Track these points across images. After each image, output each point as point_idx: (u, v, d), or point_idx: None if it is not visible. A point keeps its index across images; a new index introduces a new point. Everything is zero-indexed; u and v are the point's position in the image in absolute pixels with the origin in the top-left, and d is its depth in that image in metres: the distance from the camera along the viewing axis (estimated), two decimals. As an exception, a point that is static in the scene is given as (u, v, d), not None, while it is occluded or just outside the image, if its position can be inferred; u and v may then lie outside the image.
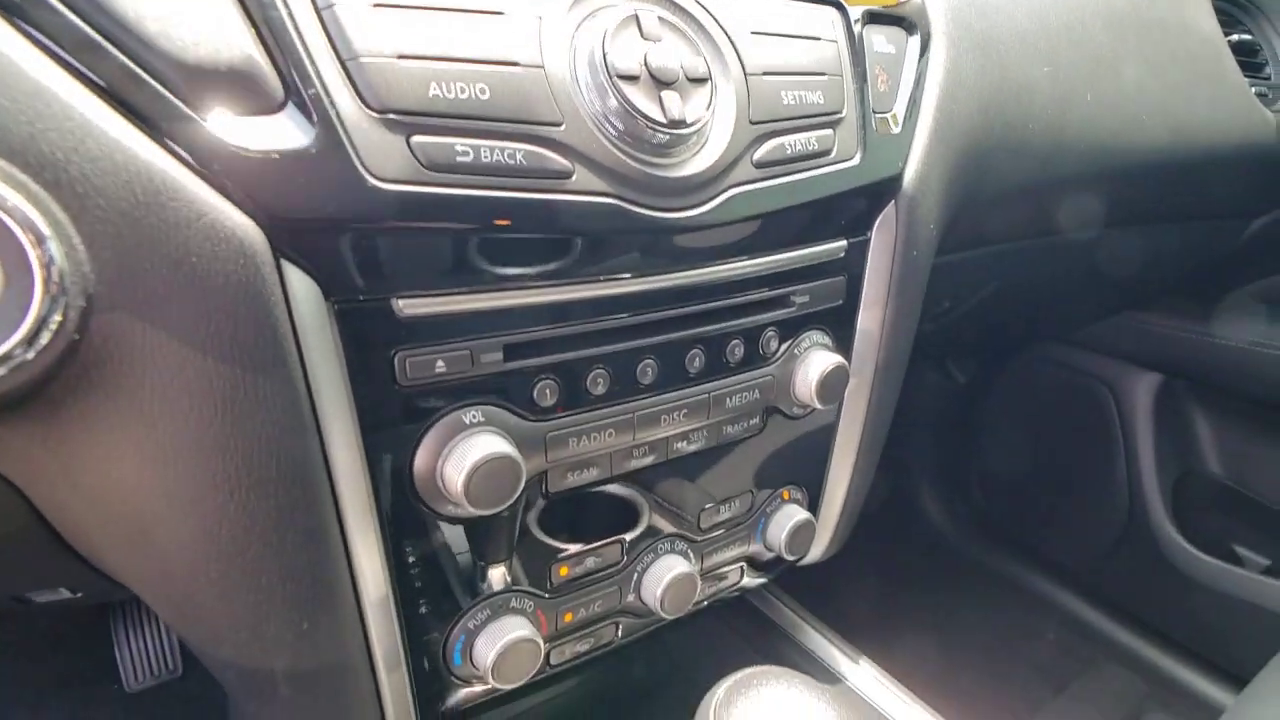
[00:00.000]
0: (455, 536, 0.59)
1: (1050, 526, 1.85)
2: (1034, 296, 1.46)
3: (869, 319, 0.75)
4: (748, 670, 0.50)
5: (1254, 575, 1.58)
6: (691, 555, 0.73)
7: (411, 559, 0.58)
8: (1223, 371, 1.54)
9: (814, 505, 0.83)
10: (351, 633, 0.56)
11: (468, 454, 0.52)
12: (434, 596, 0.60)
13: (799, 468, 0.80)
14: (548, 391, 0.57)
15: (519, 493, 0.54)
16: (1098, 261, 1.23)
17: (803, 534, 0.78)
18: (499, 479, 0.53)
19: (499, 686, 0.62)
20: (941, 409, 1.91)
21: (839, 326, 0.74)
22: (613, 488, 0.67)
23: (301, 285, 0.47)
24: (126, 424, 0.44)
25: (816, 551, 0.88)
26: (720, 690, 0.47)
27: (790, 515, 0.78)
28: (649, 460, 0.66)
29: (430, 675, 0.62)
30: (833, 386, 0.70)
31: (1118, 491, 1.71)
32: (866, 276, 0.72)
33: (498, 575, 0.62)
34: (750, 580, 0.82)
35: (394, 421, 0.52)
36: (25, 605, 0.77)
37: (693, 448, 0.68)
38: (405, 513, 0.55)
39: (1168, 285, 1.58)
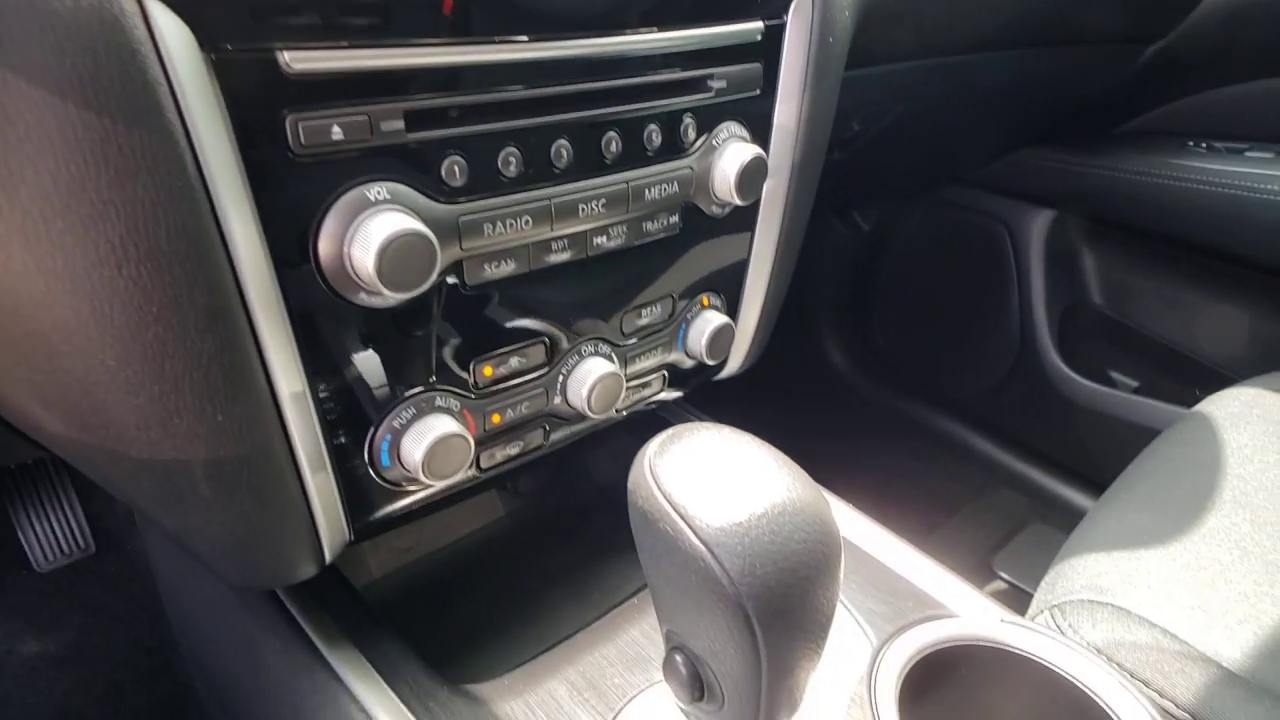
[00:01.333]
0: (375, 330, 0.57)
1: (946, 365, 1.96)
2: (935, 132, 1.49)
3: (786, 113, 0.74)
4: (681, 425, 0.51)
5: (1124, 395, 1.74)
6: (615, 359, 0.73)
7: (327, 353, 0.55)
8: (1109, 202, 1.63)
9: (733, 313, 0.84)
10: (271, 428, 0.54)
11: (375, 233, 0.50)
12: (355, 394, 0.58)
13: (718, 274, 0.80)
14: (456, 169, 0.55)
15: (434, 275, 0.52)
16: (997, 86, 1.26)
17: (722, 338, 0.79)
18: (412, 258, 0.51)
19: (430, 483, 0.62)
20: (845, 257, 1.96)
21: (756, 120, 0.73)
22: (533, 289, 0.65)
23: (170, 27, 0.42)
24: (-17, 183, 0.40)
25: (735, 362, 0.90)
26: (653, 444, 0.48)
27: (710, 320, 0.79)
28: (567, 255, 0.65)
29: (358, 476, 0.61)
30: (751, 179, 0.70)
31: (1010, 327, 1.82)
32: (783, 63, 0.71)
33: (420, 372, 0.61)
34: (670, 394, 0.83)
35: (291, 196, 0.49)
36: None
37: (612, 244, 0.67)
38: (315, 300, 0.53)
39: (1062, 120, 1.64)
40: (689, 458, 0.47)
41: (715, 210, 0.74)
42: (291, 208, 0.49)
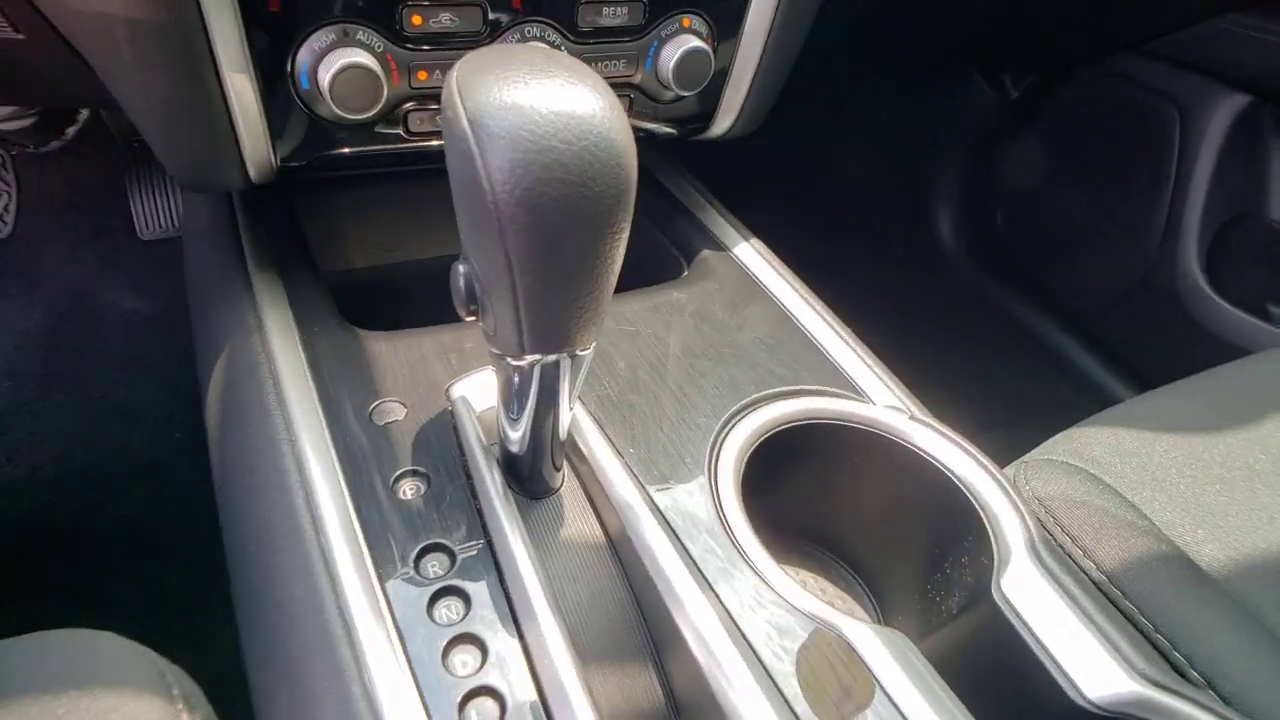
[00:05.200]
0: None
1: (1068, 264, 1.74)
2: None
3: None
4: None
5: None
6: (564, 53, 0.72)
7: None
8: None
9: (727, 52, 0.79)
10: (186, 6, 0.58)
11: None
12: (279, 5, 0.61)
13: (705, -7, 0.75)
14: None
15: None
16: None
17: (694, 64, 0.75)
18: None
19: (340, 114, 0.65)
20: (981, 124, 1.76)
21: None
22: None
23: None
24: None
25: (725, 119, 0.86)
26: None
27: (684, 41, 0.74)
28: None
29: (280, 93, 0.65)
30: None
31: (1152, 230, 1.58)
32: None
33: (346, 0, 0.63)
34: (641, 122, 0.80)
35: None
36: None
37: (567, -86, 0.65)
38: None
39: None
40: (502, 60, 0.45)
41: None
42: None
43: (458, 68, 0.45)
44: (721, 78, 0.81)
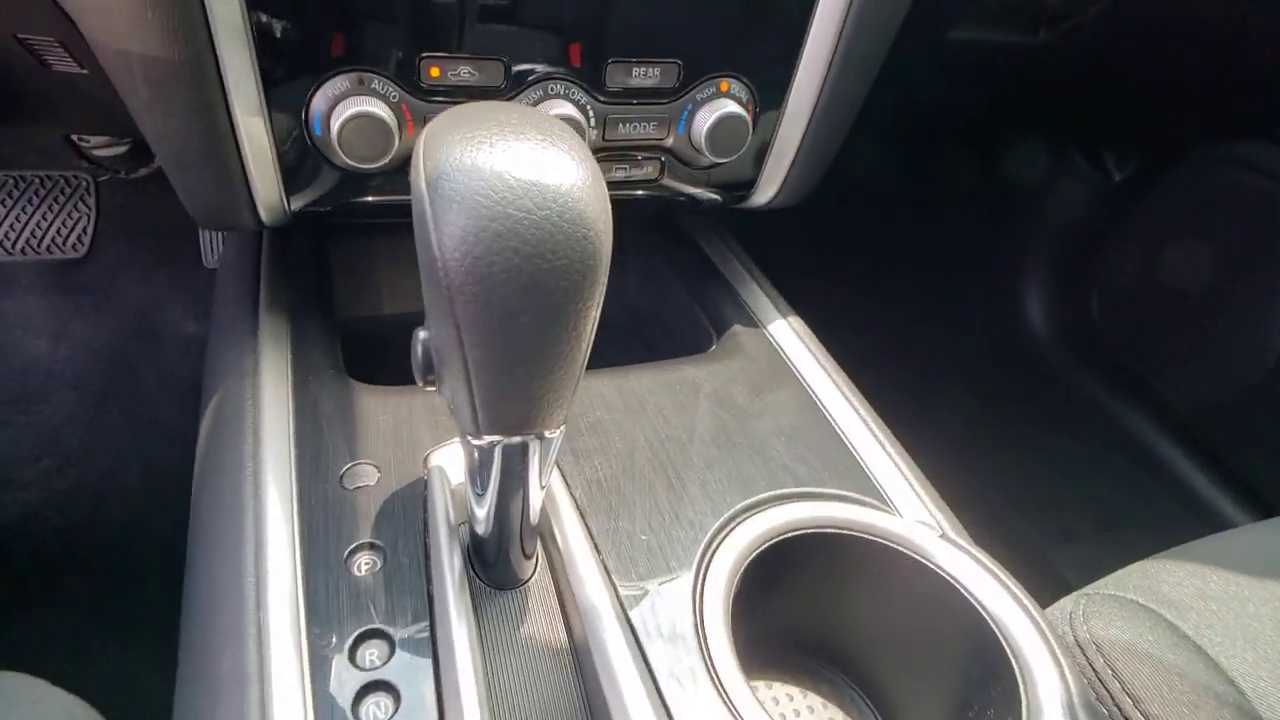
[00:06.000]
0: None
1: (1173, 359, 1.58)
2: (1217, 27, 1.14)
3: None
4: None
5: None
6: (591, 114, 0.68)
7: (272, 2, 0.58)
8: None
9: (771, 118, 0.74)
10: (200, 45, 0.57)
11: None
12: (291, 46, 0.60)
13: (750, 54, 0.70)
14: None
15: None
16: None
17: (729, 131, 0.70)
18: None
19: (349, 164, 0.63)
20: (1079, 205, 1.63)
21: None
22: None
23: None
24: None
25: (769, 188, 0.80)
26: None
27: (720, 106, 0.70)
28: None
29: (292, 135, 0.64)
30: None
31: (1271, 335, 1.42)
32: None
33: (363, 49, 0.61)
34: (671, 185, 0.75)
35: None
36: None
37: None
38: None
39: None
40: (473, 119, 0.42)
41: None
42: None
43: (429, 124, 0.41)
44: (763, 145, 0.76)
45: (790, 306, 0.85)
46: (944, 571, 0.61)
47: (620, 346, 0.96)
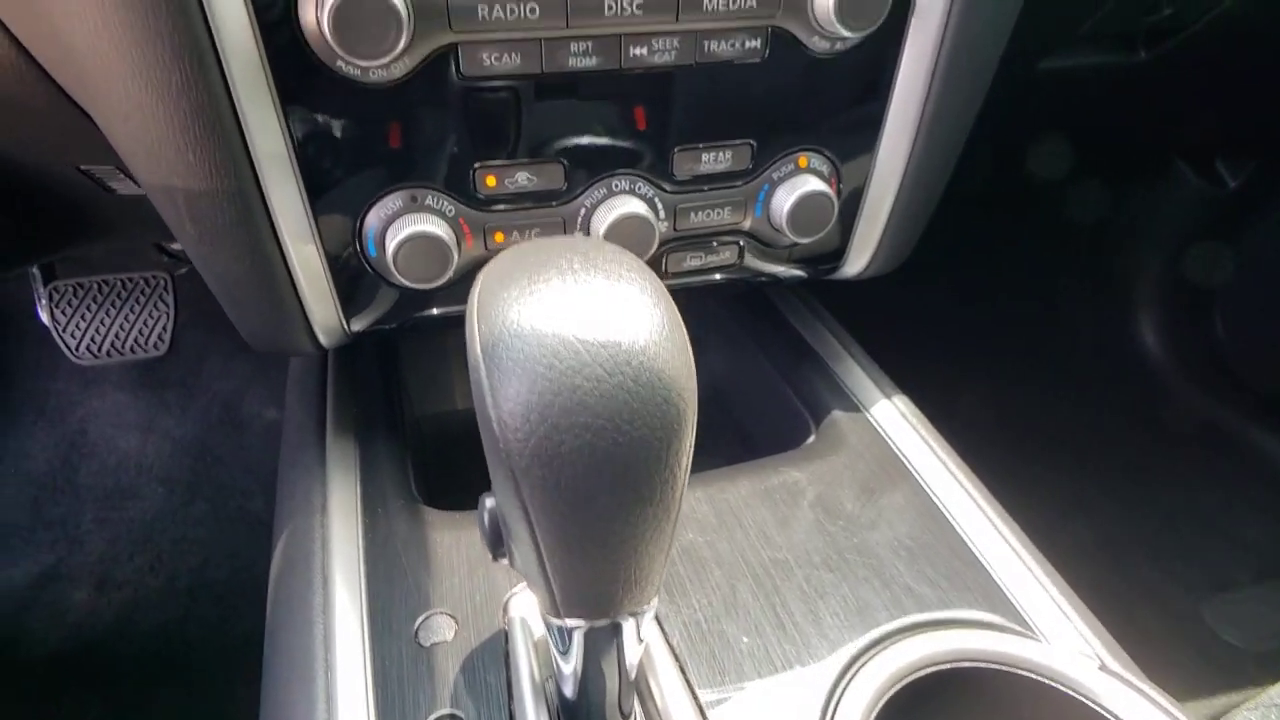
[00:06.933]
0: (364, 108, 0.55)
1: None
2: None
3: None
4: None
5: None
6: (659, 205, 0.62)
7: (310, 119, 0.54)
8: None
9: (856, 190, 0.67)
10: (244, 178, 0.54)
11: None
12: (340, 170, 0.57)
13: (828, 127, 0.63)
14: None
15: (404, 43, 0.49)
16: None
17: (813, 210, 0.63)
18: (375, 18, 0.47)
19: (405, 284, 0.59)
20: (1192, 219, 1.48)
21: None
22: (552, 97, 0.57)
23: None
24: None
25: (859, 260, 0.72)
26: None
27: (801, 184, 0.63)
28: (594, 63, 0.55)
29: (345, 258, 0.60)
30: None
31: None
32: None
33: (415, 164, 0.57)
34: (756, 264, 0.69)
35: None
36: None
37: (657, 59, 0.56)
38: (293, 62, 0.51)
39: None
40: (529, 266, 0.36)
41: (819, 44, 0.58)
42: None
43: (482, 274, 0.36)
44: (850, 216, 0.69)
45: (894, 384, 0.77)
46: (1110, 713, 0.52)
47: (709, 434, 0.89)
